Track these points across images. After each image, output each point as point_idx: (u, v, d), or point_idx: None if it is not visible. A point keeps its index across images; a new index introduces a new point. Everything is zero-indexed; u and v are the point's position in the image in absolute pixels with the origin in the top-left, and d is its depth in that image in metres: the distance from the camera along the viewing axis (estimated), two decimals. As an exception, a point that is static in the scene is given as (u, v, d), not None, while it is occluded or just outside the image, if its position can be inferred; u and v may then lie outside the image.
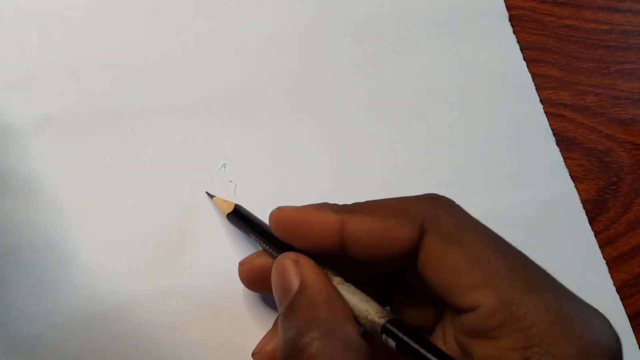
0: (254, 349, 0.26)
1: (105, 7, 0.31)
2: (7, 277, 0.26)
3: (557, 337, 0.18)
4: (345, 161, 0.32)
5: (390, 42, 0.35)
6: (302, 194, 0.30)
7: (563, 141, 0.36)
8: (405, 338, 0.20)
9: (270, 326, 0.26)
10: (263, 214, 0.29)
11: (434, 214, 0.21)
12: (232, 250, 0.28)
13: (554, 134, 0.36)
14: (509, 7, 0.38)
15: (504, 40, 0.37)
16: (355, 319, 0.22)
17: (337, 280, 0.22)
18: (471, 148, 0.34)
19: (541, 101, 0.37)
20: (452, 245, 0.20)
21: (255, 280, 0.26)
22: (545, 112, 0.37)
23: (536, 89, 0.37)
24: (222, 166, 0.30)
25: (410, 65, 0.35)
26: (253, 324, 0.27)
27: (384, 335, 0.21)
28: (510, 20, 0.38)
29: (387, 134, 0.33)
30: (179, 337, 0.26)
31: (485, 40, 0.37)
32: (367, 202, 0.23)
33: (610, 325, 0.19)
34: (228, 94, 0.31)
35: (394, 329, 0.20)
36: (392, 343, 0.20)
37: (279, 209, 0.24)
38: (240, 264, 0.26)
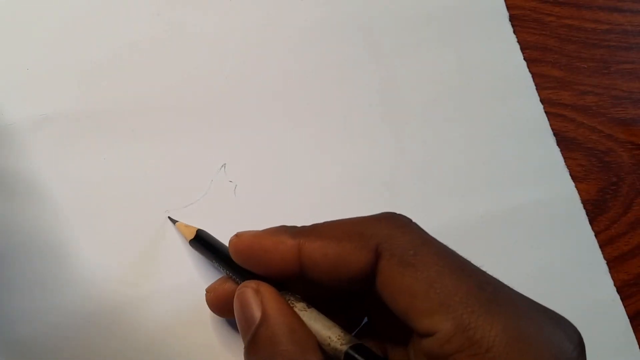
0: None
1: (105, 6, 0.31)
2: (7, 277, 0.25)
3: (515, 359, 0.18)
4: (345, 161, 0.32)
5: (390, 42, 0.35)
6: (302, 194, 0.30)
7: (563, 141, 0.36)
8: None
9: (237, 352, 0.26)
10: (263, 214, 0.29)
11: (389, 235, 0.21)
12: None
13: (555, 134, 0.36)
14: (509, 7, 0.38)
15: (504, 40, 0.37)
16: (320, 346, 0.21)
17: (299, 307, 0.22)
18: (471, 148, 0.34)
19: (541, 101, 0.37)
20: (407, 268, 0.20)
21: (222, 307, 0.25)
22: (545, 112, 0.37)
23: (536, 88, 0.37)
24: (222, 166, 0.30)
25: (411, 65, 0.35)
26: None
27: None
28: (510, 20, 0.38)
29: (387, 133, 0.33)
30: (177, 336, 0.26)
31: (485, 40, 0.37)
32: (323, 224, 0.23)
33: (572, 339, 0.19)
34: (228, 94, 0.31)
35: (356, 355, 0.20)
36: None
37: (237, 235, 0.24)
38: (207, 291, 0.26)
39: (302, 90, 0.32)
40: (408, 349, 0.23)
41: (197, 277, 0.27)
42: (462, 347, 0.18)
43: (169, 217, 0.28)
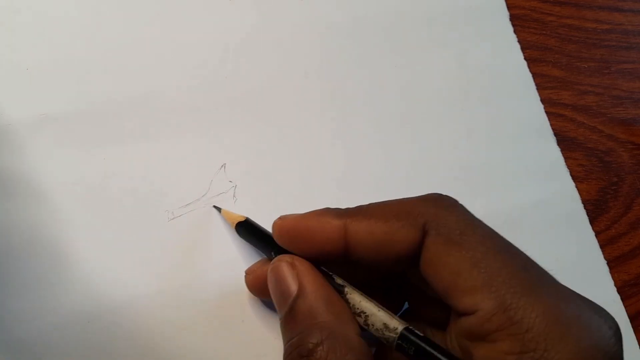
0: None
1: (105, 6, 0.31)
2: (7, 277, 0.25)
3: (554, 341, 0.18)
4: (345, 161, 0.32)
5: (390, 42, 0.35)
6: (301, 194, 0.30)
7: (564, 141, 0.36)
8: (424, 345, 0.20)
9: (274, 330, 0.26)
10: (263, 214, 0.29)
11: (436, 214, 0.21)
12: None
13: (555, 134, 0.36)
14: (509, 7, 0.38)
15: (504, 39, 0.37)
16: (357, 321, 0.22)
17: (348, 289, 0.22)
18: (472, 148, 0.34)
19: (542, 101, 0.37)
20: (453, 247, 0.20)
21: (261, 288, 0.26)
22: (546, 112, 0.37)
23: (537, 88, 0.37)
24: (222, 166, 0.30)
25: (411, 65, 0.35)
26: (259, 329, 0.27)
27: (397, 342, 0.21)
28: (510, 19, 0.38)
29: (387, 134, 0.33)
30: (180, 338, 0.26)
31: (485, 40, 0.37)
32: (369, 205, 0.23)
33: (611, 326, 0.19)
34: (228, 95, 0.31)
35: (411, 337, 0.20)
36: (405, 350, 0.20)
37: (281, 218, 0.24)
38: (247, 273, 0.26)
39: (302, 91, 0.32)
40: (446, 333, 0.23)
41: (197, 276, 0.27)
42: (502, 326, 0.19)
43: (214, 206, 0.28)
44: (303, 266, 0.22)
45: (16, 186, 0.27)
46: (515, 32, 0.38)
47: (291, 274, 0.22)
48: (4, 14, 0.29)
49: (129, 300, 0.26)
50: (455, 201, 0.23)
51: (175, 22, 0.31)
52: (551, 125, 0.36)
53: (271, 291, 0.23)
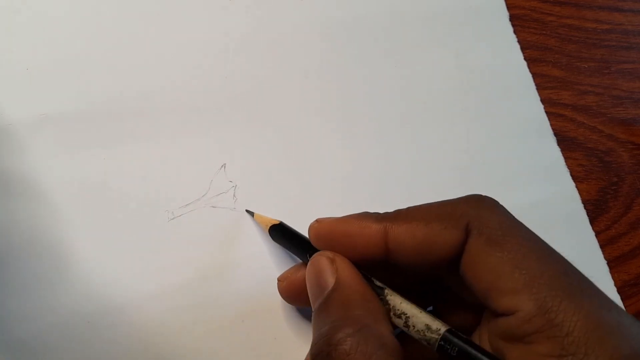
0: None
1: (105, 6, 0.31)
2: (7, 277, 0.25)
3: (594, 347, 0.18)
4: (345, 161, 0.32)
5: (391, 42, 0.35)
6: (301, 194, 0.30)
7: (564, 141, 0.36)
8: (467, 346, 0.20)
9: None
10: (262, 214, 0.29)
11: (478, 215, 0.22)
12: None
13: (555, 134, 0.36)
14: (509, 7, 0.38)
15: (504, 39, 0.37)
16: (390, 320, 0.22)
17: (388, 291, 0.22)
18: (471, 148, 0.34)
19: (542, 101, 0.37)
20: (495, 248, 0.20)
21: (295, 294, 0.26)
22: (546, 112, 0.37)
23: (537, 88, 0.37)
24: (222, 166, 0.30)
25: (411, 65, 0.35)
26: (259, 329, 0.27)
27: (439, 343, 0.21)
28: (510, 19, 0.38)
29: (388, 133, 0.33)
30: (180, 338, 0.26)
31: (485, 40, 0.37)
32: (408, 209, 0.23)
33: None
34: (228, 95, 0.31)
35: (454, 339, 0.20)
36: (448, 350, 0.21)
37: (318, 221, 0.24)
38: (279, 280, 0.26)
39: (302, 91, 0.32)
40: (473, 336, 0.23)
41: (197, 276, 0.27)
42: (542, 328, 0.19)
43: (247, 210, 0.29)
44: (343, 263, 0.23)
45: (16, 186, 0.27)
46: (515, 32, 0.38)
47: (330, 268, 0.22)
48: (3, 14, 0.29)
49: (128, 300, 0.26)
50: (497, 202, 0.23)
51: (175, 22, 0.31)
52: (551, 125, 0.36)
53: (308, 284, 0.23)
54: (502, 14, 0.38)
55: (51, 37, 0.29)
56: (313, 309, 0.22)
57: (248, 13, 0.33)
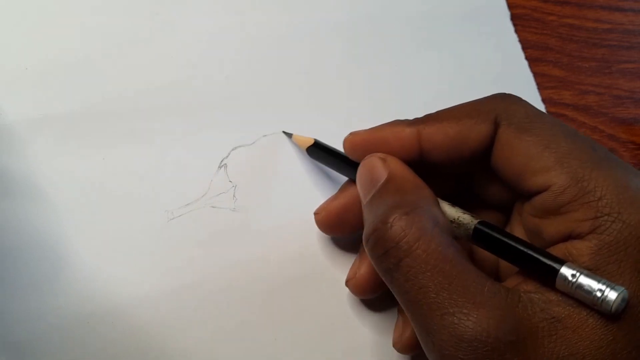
0: (347, 277, 0.27)
1: (104, 6, 0.31)
2: (7, 277, 0.25)
3: (626, 206, 0.19)
4: (346, 161, 0.32)
5: (391, 42, 0.35)
6: (301, 194, 0.30)
7: (564, 141, 0.36)
8: (497, 234, 0.21)
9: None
10: (262, 214, 0.29)
11: (505, 108, 0.23)
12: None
13: (556, 134, 0.36)
14: (510, 6, 0.38)
15: (505, 39, 0.37)
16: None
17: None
18: (472, 148, 0.34)
19: (543, 101, 0.37)
20: (524, 133, 0.22)
21: (334, 224, 0.27)
22: (547, 112, 0.36)
23: (538, 88, 0.37)
24: (222, 166, 0.30)
25: (412, 65, 0.35)
26: (259, 329, 0.27)
27: (472, 232, 0.22)
28: (511, 19, 0.38)
29: (388, 133, 0.33)
30: (180, 338, 0.26)
31: (486, 40, 0.37)
32: (437, 112, 0.25)
33: None
34: (228, 94, 0.31)
35: (485, 230, 0.22)
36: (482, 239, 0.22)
37: (352, 133, 0.25)
38: (316, 213, 0.27)
39: (302, 91, 0.32)
40: (508, 224, 0.25)
41: (197, 277, 0.27)
42: (576, 197, 0.20)
43: (284, 132, 0.30)
44: (394, 159, 0.24)
45: (16, 186, 0.27)
46: (516, 31, 0.38)
47: (382, 164, 0.23)
48: (3, 14, 0.29)
49: (128, 300, 0.26)
50: (520, 98, 0.24)
51: (175, 22, 0.31)
52: (552, 125, 0.36)
53: (358, 182, 0.24)
54: (503, 14, 0.38)
55: (51, 37, 0.29)
56: (364, 203, 0.23)
57: (248, 13, 0.33)
